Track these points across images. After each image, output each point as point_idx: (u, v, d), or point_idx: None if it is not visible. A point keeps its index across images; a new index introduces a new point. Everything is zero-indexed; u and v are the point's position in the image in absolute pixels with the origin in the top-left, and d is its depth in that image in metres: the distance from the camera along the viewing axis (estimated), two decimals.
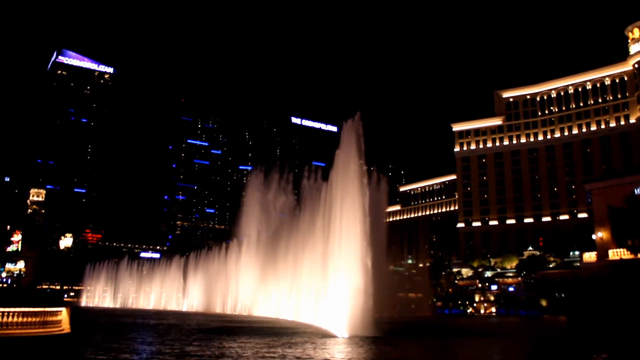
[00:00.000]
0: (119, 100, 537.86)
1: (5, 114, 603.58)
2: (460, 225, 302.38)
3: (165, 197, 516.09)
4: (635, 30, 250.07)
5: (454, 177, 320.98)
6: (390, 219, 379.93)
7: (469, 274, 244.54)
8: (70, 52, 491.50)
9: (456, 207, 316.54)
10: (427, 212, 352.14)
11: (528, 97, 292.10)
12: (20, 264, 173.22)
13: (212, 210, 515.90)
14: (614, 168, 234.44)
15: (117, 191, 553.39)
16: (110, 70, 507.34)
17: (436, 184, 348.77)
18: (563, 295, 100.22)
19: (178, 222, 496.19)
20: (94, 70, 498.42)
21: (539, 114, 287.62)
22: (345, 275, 78.33)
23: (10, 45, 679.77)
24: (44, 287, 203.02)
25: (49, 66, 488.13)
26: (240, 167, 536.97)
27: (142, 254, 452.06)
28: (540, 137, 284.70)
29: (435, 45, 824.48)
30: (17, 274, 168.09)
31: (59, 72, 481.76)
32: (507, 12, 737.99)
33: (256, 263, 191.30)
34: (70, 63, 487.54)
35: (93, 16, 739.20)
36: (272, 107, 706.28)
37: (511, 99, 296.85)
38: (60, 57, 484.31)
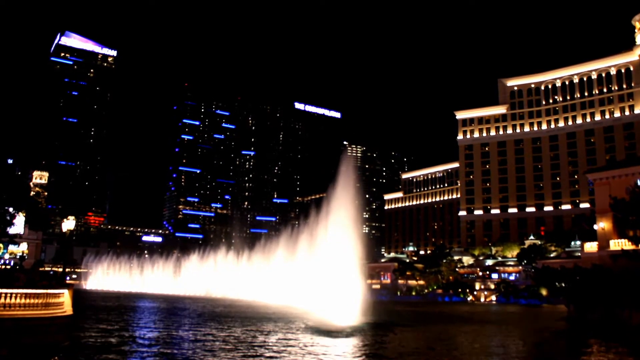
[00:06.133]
0: (122, 83, 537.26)
1: (9, 97, 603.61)
2: (462, 213, 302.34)
3: (168, 181, 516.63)
4: None
5: (456, 165, 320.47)
6: (392, 206, 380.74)
7: (470, 262, 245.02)
8: (73, 34, 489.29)
9: (458, 195, 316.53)
10: (429, 200, 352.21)
11: (532, 85, 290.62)
12: (23, 246, 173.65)
13: (214, 195, 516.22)
14: (618, 158, 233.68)
15: (120, 174, 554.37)
16: (113, 53, 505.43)
17: (439, 171, 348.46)
18: (563, 285, 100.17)
19: (180, 206, 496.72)
20: (97, 53, 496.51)
21: (543, 103, 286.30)
22: (345, 269, 79.42)
23: (14, 27, 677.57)
24: (46, 269, 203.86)
25: (52, 48, 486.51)
26: (243, 152, 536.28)
27: (144, 238, 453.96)
28: (544, 127, 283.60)
29: (440, 33, 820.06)
30: (19, 255, 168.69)
31: (62, 54, 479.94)
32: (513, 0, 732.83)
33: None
34: (73, 45, 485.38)
35: None
36: (275, 93, 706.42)
37: (515, 88, 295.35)
38: (63, 39, 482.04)
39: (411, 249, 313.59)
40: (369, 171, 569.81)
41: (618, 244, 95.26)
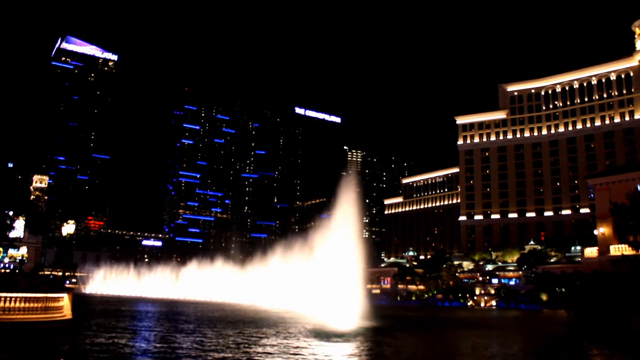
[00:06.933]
0: (123, 88, 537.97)
1: (9, 100, 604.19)
2: (462, 218, 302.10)
3: (168, 186, 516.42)
4: None
5: (456, 170, 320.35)
6: (392, 211, 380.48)
7: (470, 267, 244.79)
8: (74, 39, 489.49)
9: (458, 200, 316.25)
10: (430, 205, 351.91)
11: (533, 91, 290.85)
12: (23, 250, 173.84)
13: (215, 200, 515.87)
14: (618, 164, 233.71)
15: (120, 179, 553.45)
16: (114, 57, 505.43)
17: (439, 176, 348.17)
18: (563, 290, 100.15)
19: (180, 211, 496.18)
20: (98, 57, 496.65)
21: (543, 108, 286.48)
22: (345, 273, 79.63)
23: (15, 32, 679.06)
24: (46, 273, 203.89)
25: (53, 52, 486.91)
26: (243, 157, 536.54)
27: (144, 242, 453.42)
28: (544, 132, 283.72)
29: (441, 38, 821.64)
30: (19, 259, 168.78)
31: (64, 58, 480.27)
32: (513, 5, 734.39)
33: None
34: (74, 50, 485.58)
35: (98, 2, 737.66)
36: (276, 97, 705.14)
37: (516, 93, 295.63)
38: (64, 44, 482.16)
39: (411, 253, 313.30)
40: (369, 176, 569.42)
41: (618, 249, 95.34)
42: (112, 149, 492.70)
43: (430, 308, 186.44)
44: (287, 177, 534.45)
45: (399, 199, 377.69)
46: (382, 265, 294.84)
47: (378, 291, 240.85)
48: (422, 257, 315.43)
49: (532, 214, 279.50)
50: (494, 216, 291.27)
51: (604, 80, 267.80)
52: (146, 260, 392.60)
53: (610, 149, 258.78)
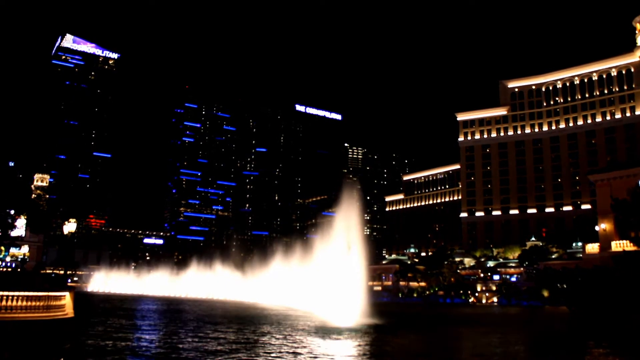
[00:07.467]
0: (123, 86, 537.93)
1: (10, 99, 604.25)
2: (464, 214, 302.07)
3: (169, 184, 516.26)
4: None
5: (457, 166, 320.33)
6: (393, 208, 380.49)
7: (471, 264, 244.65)
8: (75, 37, 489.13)
9: (459, 197, 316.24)
10: (431, 202, 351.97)
11: (533, 87, 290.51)
12: (25, 249, 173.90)
13: (216, 197, 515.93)
14: (619, 159, 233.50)
15: (121, 177, 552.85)
16: (114, 55, 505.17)
17: (440, 173, 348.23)
18: (565, 286, 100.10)
19: (181, 209, 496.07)
20: (99, 56, 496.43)
21: (544, 104, 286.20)
22: (347, 271, 79.77)
23: (15, 30, 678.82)
24: (47, 271, 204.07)
25: (53, 51, 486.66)
26: (244, 154, 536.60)
27: (146, 240, 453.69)
28: (545, 128, 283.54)
29: (441, 34, 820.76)
30: (21, 258, 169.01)
31: (64, 56, 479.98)
32: (514, 2, 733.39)
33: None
34: (74, 48, 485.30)
35: (98, 1, 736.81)
36: (276, 95, 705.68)
37: (516, 89, 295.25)
38: (64, 42, 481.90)
39: (412, 250, 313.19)
40: (370, 173, 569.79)
41: (619, 245, 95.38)
42: (113, 148, 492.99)
43: (431, 305, 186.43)
44: (288, 175, 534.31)
45: (400, 196, 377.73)
46: (384, 262, 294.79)
47: (379, 288, 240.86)
48: (423, 254, 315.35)
49: (533, 210, 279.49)
50: (495, 212, 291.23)
51: (604, 76, 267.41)
52: (147, 258, 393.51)
53: (611, 145, 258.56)
